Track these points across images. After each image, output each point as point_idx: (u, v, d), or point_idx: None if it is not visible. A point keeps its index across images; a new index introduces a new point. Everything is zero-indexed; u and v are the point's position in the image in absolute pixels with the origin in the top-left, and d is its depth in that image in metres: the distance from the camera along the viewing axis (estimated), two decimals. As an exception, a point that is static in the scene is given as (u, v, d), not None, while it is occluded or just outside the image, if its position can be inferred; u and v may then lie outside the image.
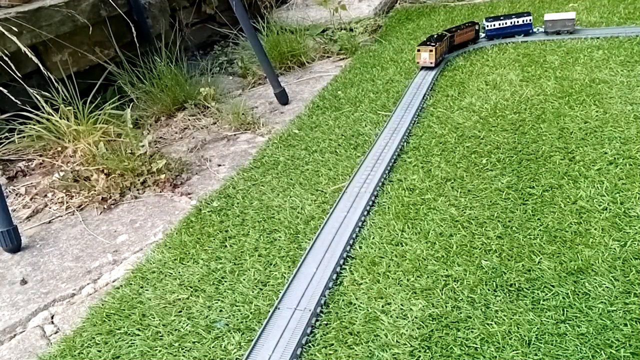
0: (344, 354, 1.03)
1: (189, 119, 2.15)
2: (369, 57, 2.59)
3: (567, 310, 1.05)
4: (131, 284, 1.29)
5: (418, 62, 2.26)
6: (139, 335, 1.13)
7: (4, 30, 1.70)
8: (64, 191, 1.71)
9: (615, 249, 1.19)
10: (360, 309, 1.12)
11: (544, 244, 1.23)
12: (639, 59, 2.11)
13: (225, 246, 1.38)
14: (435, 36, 2.35)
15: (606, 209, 1.32)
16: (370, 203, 1.45)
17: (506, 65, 2.23)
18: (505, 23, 2.50)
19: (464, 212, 1.38)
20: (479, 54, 2.41)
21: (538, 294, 1.10)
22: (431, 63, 2.23)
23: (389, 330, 1.06)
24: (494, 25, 2.52)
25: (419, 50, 2.24)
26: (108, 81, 2.21)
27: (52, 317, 1.26)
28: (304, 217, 1.44)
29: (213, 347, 1.08)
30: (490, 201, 1.40)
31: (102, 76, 2.16)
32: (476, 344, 1.01)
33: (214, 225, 1.47)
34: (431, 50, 2.21)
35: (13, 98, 1.77)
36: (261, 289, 1.22)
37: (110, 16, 2.18)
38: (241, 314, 1.15)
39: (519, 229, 1.29)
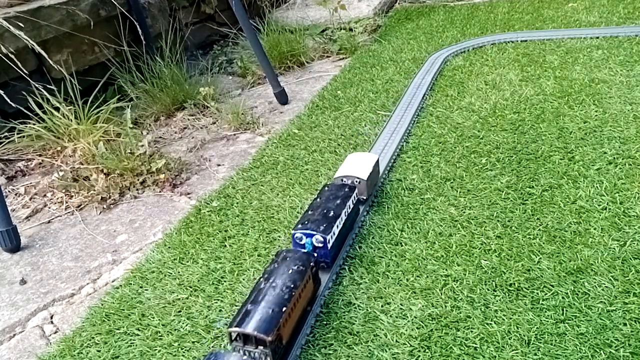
0: (343, 354, 1.03)
1: (188, 119, 2.15)
2: (369, 57, 2.59)
3: (566, 310, 1.05)
4: (130, 283, 1.28)
5: None
6: (138, 335, 1.13)
7: (10, 27, 1.69)
8: (64, 191, 1.70)
9: (614, 248, 1.19)
10: (359, 309, 1.12)
11: (543, 243, 1.23)
12: (638, 59, 2.11)
13: (225, 246, 1.38)
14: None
15: (605, 209, 1.32)
16: (370, 203, 1.45)
17: (506, 65, 2.23)
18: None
19: (464, 212, 1.38)
20: (478, 54, 2.41)
21: (537, 293, 1.10)
22: None
23: (389, 330, 1.06)
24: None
25: None
26: (108, 81, 2.21)
27: (51, 317, 1.25)
28: (304, 217, 1.44)
29: (213, 347, 1.08)
30: (490, 201, 1.41)
31: (101, 76, 2.16)
32: (475, 344, 1.01)
33: (213, 225, 1.46)
34: None
35: (12, 97, 1.77)
36: (261, 289, 1.21)
37: (110, 16, 2.18)
38: (241, 313, 1.15)
39: (518, 229, 1.29)
